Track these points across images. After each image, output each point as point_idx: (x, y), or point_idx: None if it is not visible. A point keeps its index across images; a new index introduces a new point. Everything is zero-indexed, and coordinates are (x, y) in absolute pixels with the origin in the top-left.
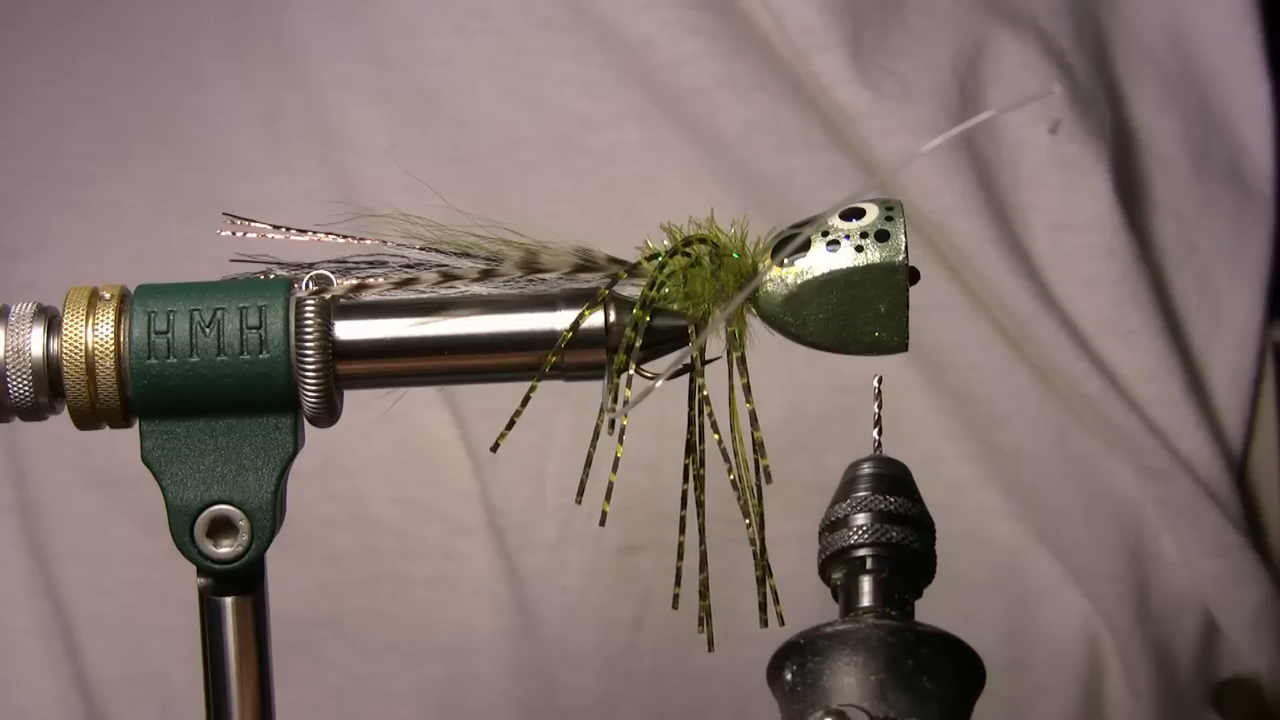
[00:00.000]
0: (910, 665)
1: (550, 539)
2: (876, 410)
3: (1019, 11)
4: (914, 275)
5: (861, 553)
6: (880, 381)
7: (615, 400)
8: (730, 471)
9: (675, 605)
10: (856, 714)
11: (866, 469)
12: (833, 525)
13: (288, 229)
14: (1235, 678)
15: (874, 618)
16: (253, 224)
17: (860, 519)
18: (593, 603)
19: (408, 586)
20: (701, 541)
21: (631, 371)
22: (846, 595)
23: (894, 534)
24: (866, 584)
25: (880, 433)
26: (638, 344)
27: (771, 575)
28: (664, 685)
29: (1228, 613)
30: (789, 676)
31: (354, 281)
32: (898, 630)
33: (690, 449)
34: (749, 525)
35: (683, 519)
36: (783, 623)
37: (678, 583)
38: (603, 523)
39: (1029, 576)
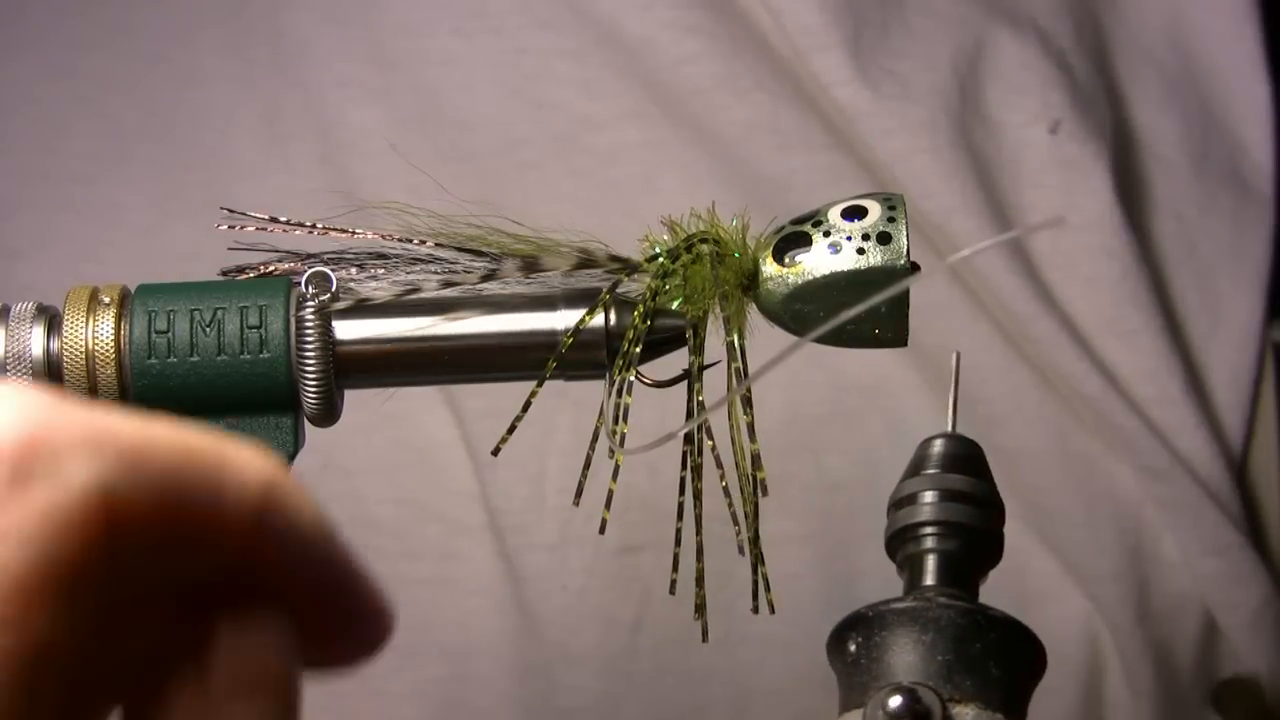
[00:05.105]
0: (978, 649)
1: (550, 539)
2: (954, 388)
3: (1019, 11)
4: (915, 268)
5: (928, 530)
6: (959, 358)
7: (617, 398)
8: (723, 479)
9: (673, 591)
10: (927, 694)
11: (938, 446)
12: (900, 502)
13: (286, 221)
14: (1235, 678)
15: (942, 597)
16: (250, 217)
17: (928, 496)
18: (593, 603)
19: (408, 586)
20: (698, 531)
21: (632, 377)
22: (911, 572)
23: (962, 513)
24: (931, 562)
25: (955, 410)
26: (637, 348)
27: (764, 563)
28: (664, 685)
29: (1228, 613)
30: (853, 648)
31: (354, 281)
32: (969, 613)
33: (689, 440)
34: (744, 517)
35: (680, 505)
36: (773, 610)
37: (675, 568)
38: (602, 530)
39: (1029, 576)
